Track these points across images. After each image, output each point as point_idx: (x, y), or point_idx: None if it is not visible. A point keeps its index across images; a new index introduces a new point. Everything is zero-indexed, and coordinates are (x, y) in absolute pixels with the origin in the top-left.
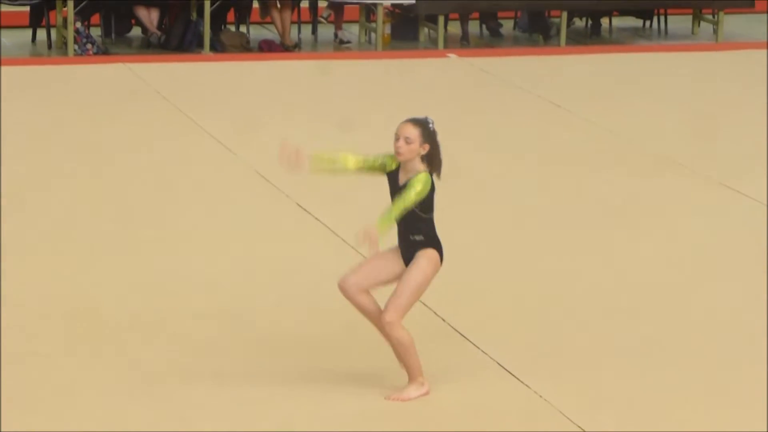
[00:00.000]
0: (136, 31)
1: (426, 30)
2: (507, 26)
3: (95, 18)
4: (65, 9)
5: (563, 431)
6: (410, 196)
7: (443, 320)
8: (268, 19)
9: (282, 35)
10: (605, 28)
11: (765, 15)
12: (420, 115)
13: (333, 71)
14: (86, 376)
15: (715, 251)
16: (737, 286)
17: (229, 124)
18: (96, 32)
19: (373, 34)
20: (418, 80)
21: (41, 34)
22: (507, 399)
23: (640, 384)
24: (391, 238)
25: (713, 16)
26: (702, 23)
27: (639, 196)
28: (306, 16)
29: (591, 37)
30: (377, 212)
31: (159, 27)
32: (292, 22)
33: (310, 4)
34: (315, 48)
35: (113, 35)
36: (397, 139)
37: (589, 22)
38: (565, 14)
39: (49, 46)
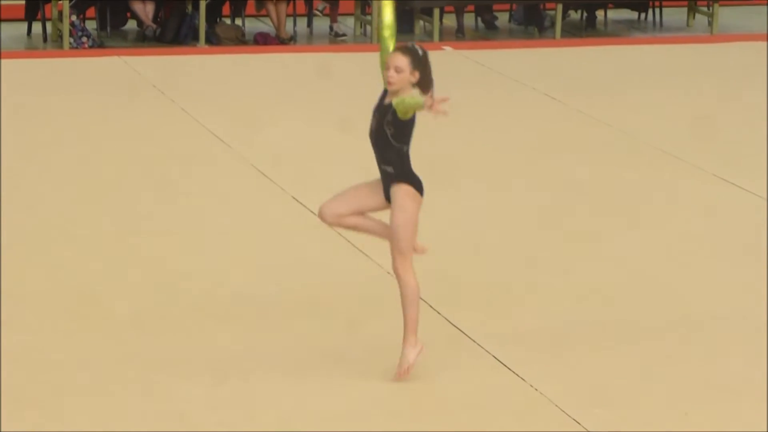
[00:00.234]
0: (131, 25)
1: (421, 22)
2: (502, 19)
3: (91, 11)
4: (60, 2)
5: (558, 424)
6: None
7: (438, 313)
8: (263, 12)
9: (277, 28)
10: (600, 21)
11: (760, 6)
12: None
13: (332, 71)
14: (85, 373)
15: (710, 243)
16: (734, 279)
17: (224, 117)
18: (91, 25)
19: (368, 27)
20: None
21: (36, 27)
22: (502, 392)
23: (636, 377)
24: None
25: (708, 8)
26: (697, 15)
27: (634, 188)
28: (301, 8)
29: (586, 30)
30: None
31: (154, 20)
32: (288, 15)
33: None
34: (310, 41)
35: (108, 28)
36: (387, 68)
37: (584, 14)
38: (560, 6)
39: (45, 40)
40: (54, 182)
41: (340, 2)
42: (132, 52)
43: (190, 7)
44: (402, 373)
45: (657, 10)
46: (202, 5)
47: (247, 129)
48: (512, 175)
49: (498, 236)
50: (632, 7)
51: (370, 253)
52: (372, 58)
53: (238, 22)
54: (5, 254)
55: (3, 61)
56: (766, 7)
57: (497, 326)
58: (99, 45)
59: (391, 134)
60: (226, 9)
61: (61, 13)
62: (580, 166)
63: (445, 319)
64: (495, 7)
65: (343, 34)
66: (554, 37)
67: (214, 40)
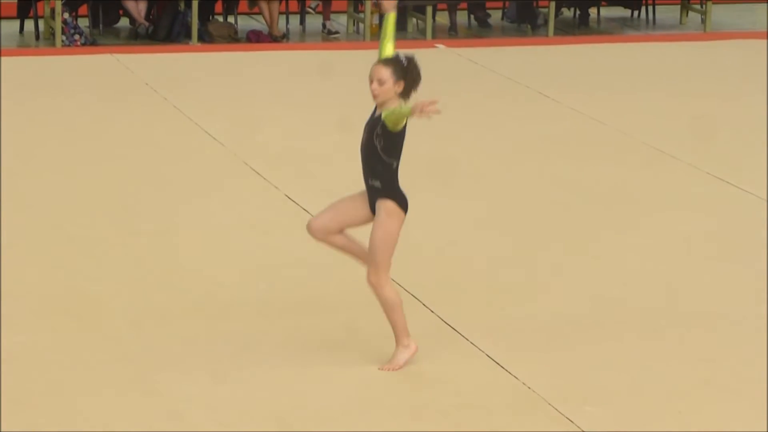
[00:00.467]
0: (123, 22)
1: (414, 20)
2: (495, 16)
3: (83, 9)
4: (53, 0)
5: (551, 422)
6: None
7: (431, 311)
8: (256, 10)
9: (270, 26)
10: (593, 18)
11: (753, 4)
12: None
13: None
14: (85, 372)
15: (705, 242)
16: (730, 278)
17: (217, 115)
18: (84, 23)
19: (361, 25)
20: None
21: (29, 25)
22: (495, 390)
23: (630, 376)
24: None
25: (701, 6)
26: (690, 13)
27: (626, 186)
28: (294, 6)
29: (579, 27)
30: None
31: (147, 18)
32: (280, 13)
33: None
34: (303, 38)
35: (101, 26)
36: (370, 81)
37: (577, 12)
38: (553, 4)
39: (37, 37)
40: (46, 180)
41: (333, 0)
42: (124, 50)
43: (182, 5)
44: (387, 368)
45: (650, 8)
46: (195, 3)
47: (239, 127)
48: (505, 173)
49: (490, 234)
50: (625, 5)
51: None
52: (365, 56)
53: (231, 19)
54: (2, 253)
55: None
56: (758, 5)
57: (490, 324)
58: (91, 43)
59: (381, 147)
60: (218, 7)
61: (53, 10)
62: (573, 164)
63: (438, 317)
64: (488, 4)
65: (336, 32)
66: (547, 35)
67: (206, 37)
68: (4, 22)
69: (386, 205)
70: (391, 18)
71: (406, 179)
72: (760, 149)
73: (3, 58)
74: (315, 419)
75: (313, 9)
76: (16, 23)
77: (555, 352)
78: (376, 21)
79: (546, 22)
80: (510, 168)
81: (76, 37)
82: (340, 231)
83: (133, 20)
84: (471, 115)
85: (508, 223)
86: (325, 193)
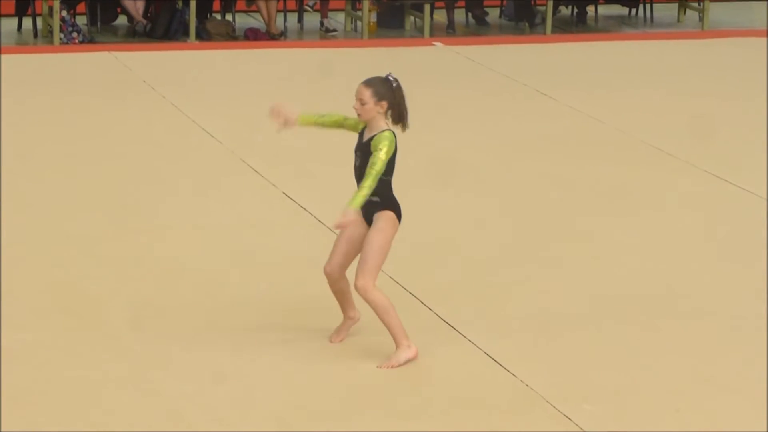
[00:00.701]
0: (121, 20)
1: (412, 18)
2: (493, 14)
3: (81, 6)
4: None
5: (549, 420)
6: (377, 163)
7: (430, 309)
8: (253, 8)
9: (268, 24)
10: (591, 16)
11: (751, 2)
12: (382, 74)
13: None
14: (84, 371)
15: (703, 240)
16: (728, 276)
17: (215, 113)
18: (82, 21)
19: (359, 23)
20: (404, 69)
21: (27, 22)
22: (494, 388)
23: (628, 374)
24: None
25: (699, 4)
26: (688, 11)
27: (624, 184)
28: (292, 4)
29: (577, 25)
30: None
31: (145, 15)
32: (278, 11)
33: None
34: (301, 36)
35: (99, 24)
36: (355, 100)
37: (575, 10)
38: (550, 2)
39: (35, 35)
40: (44, 178)
41: None
42: (122, 48)
43: (180, 3)
44: (386, 366)
45: (648, 6)
46: (193, 1)
47: (237, 125)
48: (503, 171)
49: (488, 232)
50: (623, 3)
51: None
52: (363, 54)
53: (229, 17)
54: (2, 252)
55: None
56: (756, 3)
57: (488, 322)
58: (89, 40)
59: None
60: (216, 5)
61: (51, 8)
62: (571, 162)
63: (436, 314)
64: (486, 2)
65: (334, 30)
66: (545, 33)
67: (204, 35)
68: (2, 20)
69: (386, 215)
70: (305, 119)
71: (405, 177)
72: (758, 147)
73: (1, 56)
74: (315, 418)
75: (311, 7)
76: (15, 21)
77: (554, 350)
78: (374, 19)
79: (544, 19)
80: (508, 166)
81: (74, 34)
82: (354, 258)
83: (131, 18)
84: (469, 113)
85: (506, 221)
86: (323, 191)
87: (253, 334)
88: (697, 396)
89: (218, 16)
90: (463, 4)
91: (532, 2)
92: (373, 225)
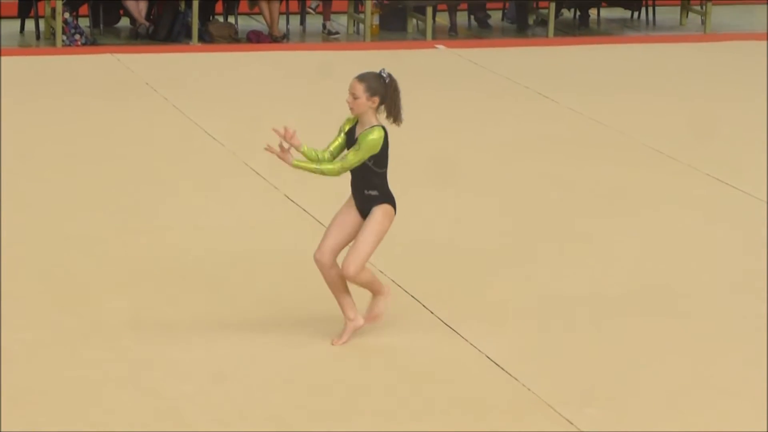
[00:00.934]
0: (124, 22)
1: (414, 21)
2: (495, 17)
3: (84, 8)
4: (53, 0)
5: (552, 424)
6: (348, 160)
7: (432, 312)
8: (256, 10)
9: (270, 26)
10: (593, 19)
11: (753, 5)
12: (375, 70)
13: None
14: (84, 371)
15: (703, 242)
16: (728, 278)
17: (217, 115)
18: (84, 23)
19: (361, 25)
20: (407, 71)
21: (29, 24)
22: (495, 391)
23: (629, 377)
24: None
25: (701, 7)
26: (690, 14)
27: (625, 186)
28: (294, 7)
29: (579, 28)
30: None
31: (147, 18)
32: (281, 13)
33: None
34: (303, 39)
35: (101, 26)
36: (349, 93)
37: (577, 12)
38: (553, 5)
39: (38, 37)
40: (46, 180)
41: (333, 0)
42: (125, 50)
43: (183, 5)
44: (371, 320)
45: (650, 9)
46: (195, 3)
47: (239, 127)
48: (504, 172)
49: (489, 233)
50: (625, 6)
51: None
52: (365, 56)
53: (231, 20)
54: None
55: None
56: (758, 6)
57: (488, 325)
58: (92, 42)
59: (372, 164)
60: (219, 7)
61: (54, 10)
62: (572, 164)
63: (438, 318)
64: (488, 5)
65: (336, 32)
66: (547, 36)
67: (207, 38)
68: (4, 22)
69: (384, 207)
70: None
71: (406, 176)
72: (759, 150)
73: (4, 58)
74: (315, 418)
75: (314, 9)
76: (17, 23)
77: (554, 351)
78: (376, 21)
79: (544, 23)
80: (509, 167)
81: (77, 36)
82: (344, 246)
83: (133, 20)
84: (471, 115)
85: (506, 221)
86: (324, 193)
87: (253, 335)
88: (698, 398)
89: (221, 19)
90: (465, 6)
91: (534, 5)
92: (371, 216)
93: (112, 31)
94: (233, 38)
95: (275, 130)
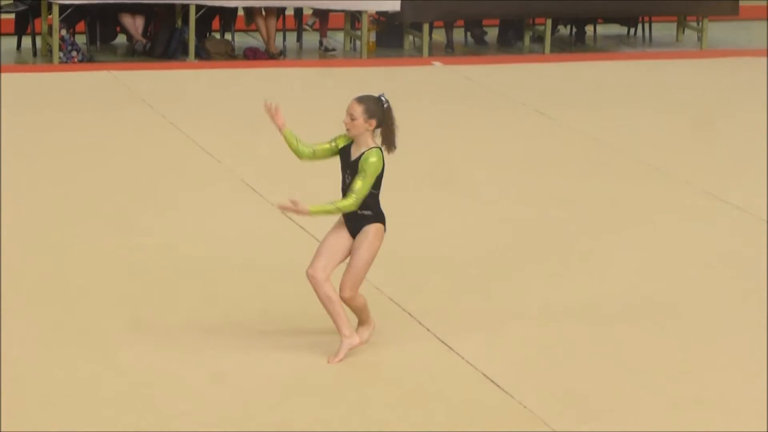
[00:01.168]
0: (121, 39)
1: (411, 38)
2: (492, 34)
3: (80, 25)
4: (50, 16)
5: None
6: (362, 190)
7: (428, 330)
8: (253, 27)
9: (267, 43)
10: (590, 36)
11: (749, 22)
12: (374, 93)
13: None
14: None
15: (699, 257)
16: (723, 292)
17: (214, 132)
18: (81, 40)
19: (358, 42)
20: (403, 88)
21: (26, 41)
22: (486, 408)
23: (620, 387)
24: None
25: (697, 23)
26: (686, 30)
27: (622, 201)
28: (291, 23)
29: (575, 45)
30: None
31: (144, 34)
32: (277, 30)
33: (295, 11)
34: (300, 56)
35: (98, 43)
36: (346, 114)
37: (574, 29)
38: (549, 21)
39: (35, 54)
40: (43, 197)
41: (330, 17)
42: (122, 67)
43: (179, 22)
44: (356, 346)
45: (646, 25)
46: (192, 20)
47: (236, 143)
48: (500, 189)
49: (484, 248)
50: (622, 22)
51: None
52: (362, 73)
53: (228, 36)
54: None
55: None
56: (754, 22)
57: (484, 340)
58: (89, 59)
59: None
60: (215, 24)
61: (50, 27)
62: (569, 181)
63: (433, 334)
64: (484, 22)
65: (333, 49)
66: (543, 52)
67: (203, 54)
68: (2, 39)
69: (376, 227)
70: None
71: (403, 192)
72: (755, 166)
73: (0, 75)
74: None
75: (310, 26)
76: (14, 40)
77: (550, 367)
78: (373, 38)
79: (534, 40)
80: (506, 183)
81: (74, 53)
82: (336, 266)
83: (130, 37)
84: (467, 131)
85: (502, 236)
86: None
87: (253, 338)
88: (695, 414)
89: (217, 35)
90: (462, 23)
91: (530, 21)
92: (363, 236)
93: (109, 48)
94: (230, 55)
95: (266, 105)
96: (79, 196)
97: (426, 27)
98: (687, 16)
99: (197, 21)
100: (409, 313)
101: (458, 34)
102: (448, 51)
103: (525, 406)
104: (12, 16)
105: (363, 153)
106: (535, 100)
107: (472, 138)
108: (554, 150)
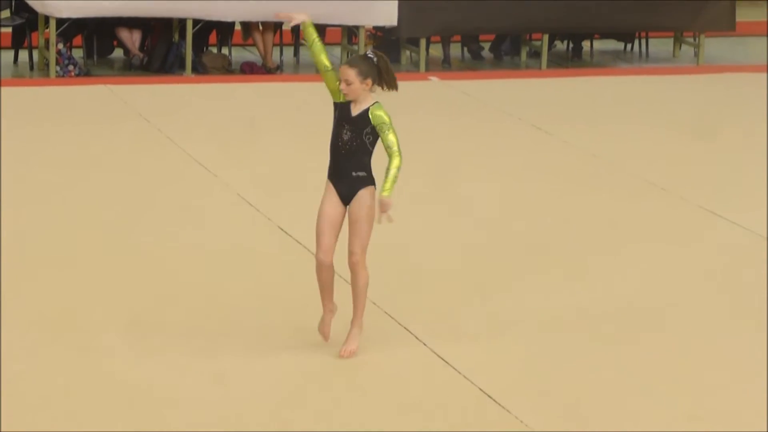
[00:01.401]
0: (118, 53)
1: (408, 53)
2: (488, 49)
3: (77, 39)
4: (47, 30)
5: None
6: (396, 143)
7: (424, 344)
8: (250, 42)
9: (264, 57)
10: (586, 51)
11: (746, 38)
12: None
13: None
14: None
15: (694, 274)
16: (720, 310)
17: (210, 147)
18: (78, 54)
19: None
20: (400, 102)
21: (23, 55)
22: (484, 419)
23: (618, 401)
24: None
25: (694, 39)
26: (683, 46)
27: (618, 217)
28: (288, 38)
29: (572, 60)
30: None
31: (141, 49)
32: (274, 45)
33: (293, 26)
34: (297, 70)
35: (95, 57)
36: (340, 81)
37: (570, 44)
38: (546, 37)
39: (31, 68)
40: (39, 211)
41: (327, 32)
42: (118, 81)
43: (176, 36)
44: (346, 354)
45: (643, 41)
46: (189, 34)
47: (233, 158)
48: (497, 203)
49: (481, 264)
50: (618, 38)
51: None
52: None
53: (225, 51)
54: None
55: None
56: (751, 38)
57: (475, 350)
58: (86, 73)
59: (369, 142)
60: (212, 38)
61: (47, 41)
62: (565, 195)
63: (431, 350)
64: (481, 37)
65: None
66: (540, 68)
67: (200, 69)
68: None
69: (371, 189)
70: (309, 28)
71: (398, 204)
72: (751, 182)
73: None
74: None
75: None
76: (11, 53)
77: (545, 382)
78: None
79: (531, 55)
80: (502, 197)
81: (71, 67)
82: (337, 238)
83: (127, 51)
84: (464, 146)
85: (498, 253)
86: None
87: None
88: (694, 429)
89: (214, 50)
90: (458, 38)
91: (527, 37)
92: (360, 200)
93: (106, 62)
94: (227, 69)
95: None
96: (76, 210)
97: (423, 42)
98: (684, 32)
99: (194, 35)
100: (404, 327)
101: (455, 49)
102: (445, 66)
103: (521, 421)
104: (9, 29)
105: (367, 109)
106: (532, 115)
107: (468, 152)
108: (551, 165)
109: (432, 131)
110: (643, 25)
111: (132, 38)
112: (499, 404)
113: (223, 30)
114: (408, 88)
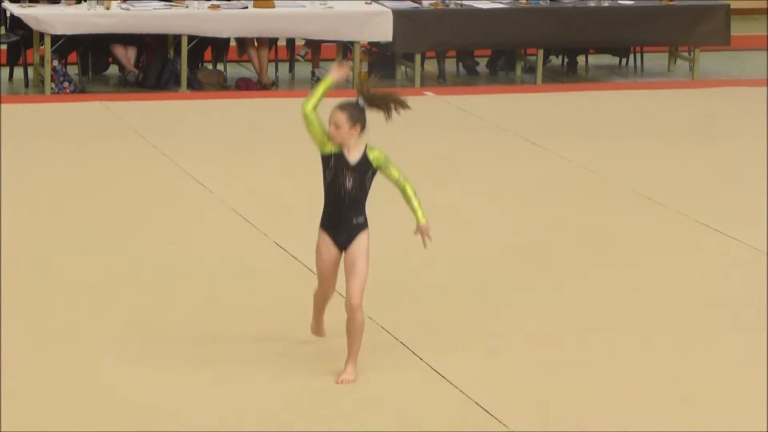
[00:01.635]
0: (113, 70)
1: (403, 68)
2: (483, 64)
3: (72, 56)
4: (42, 47)
5: None
6: (405, 178)
7: (421, 359)
8: (245, 58)
9: (259, 73)
10: (581, 66)
11: (741, 52)
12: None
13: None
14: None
15: (688, 287)
16: (715, 324)
17: (206, 163)
18: (73, 70)
19: (350, 72)
20: (395, 118)
21: (18, 72)
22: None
23: (615, 416)
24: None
25: (689, 54)
26: (678, 60)
27: (614, 232)
28: (283, 54)
29: (567, 75)
30: None
31: (136, 65)
32: (270, 61)
33: (288, 42)
34: (292, 86)
35: (90, 73)
36: (329, 124)
37: (566, 59)
38: (541, 52)
39: (26, 85)
40: (34, 228)
41: (322, 48)
42: (114, 98)
43: (171, 53)
44: (342, 382)
45: (638, 56)
46: (184, 50)
47: (228, 174)
48: (492, 218)
49: (477, 278)
50: (613, 53)
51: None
52: None
53: (220, 67)
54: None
55: None
56: (746, 52)
57: (471, 365)
58: (81, 90)
59: (369, 185)
60: (207, 54)
61: (42, 58)
62: (561, 209)
63: (428, 365)
64: (476, 52)
65: None
66: (535, 83)
67: (195, 85)
68: None
69: (367, 234)
70: (327, 80)
71: (394, 219)
72: (746, 196)
73: None
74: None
75: (303, 57)
76: (6, 70)
77: (542, 396)
78: (365, 69)
79: (526, 70)
80: (497, 211)
81: (66, 84)
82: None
83: (122, 68)
84: (459, 161)
85: (494, 268)
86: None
87: (239, 383)
88: None
89: (209, 66)
90: (453, 54)
91: (522, 52)
92: (361, 244)
93: (101, 79)
94: (222, 85)
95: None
96: (71, 226)
97: (418, 57)
98: (679, 47)
99: (189, 52)
100: (401, 342)
101: (450, 65)
102: (440, 81)
103: None
104: (4, 46)
105: (364, 154)
106: (527, 129)
107: (463, 167)
108: (546, 179)
109: (427, 146)
110: (638, 40)
111: (127, 55)
112: (496, 418)
113: (219, 46)
114: None
